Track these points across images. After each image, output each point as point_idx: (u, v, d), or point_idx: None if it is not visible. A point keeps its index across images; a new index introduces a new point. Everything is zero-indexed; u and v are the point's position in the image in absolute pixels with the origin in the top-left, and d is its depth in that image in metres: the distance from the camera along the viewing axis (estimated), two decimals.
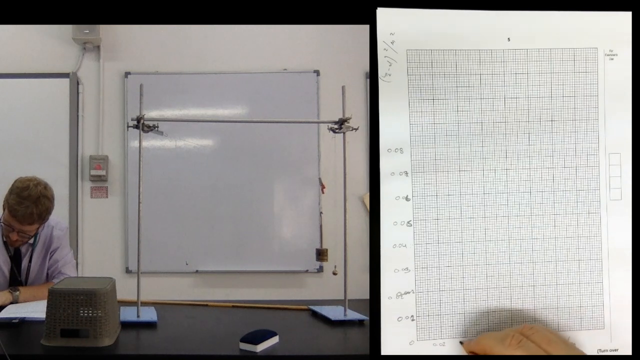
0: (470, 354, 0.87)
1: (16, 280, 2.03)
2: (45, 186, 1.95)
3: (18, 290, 1.89)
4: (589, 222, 0.93)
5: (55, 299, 1.38)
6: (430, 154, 0.90)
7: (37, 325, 1.52)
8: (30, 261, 2.05)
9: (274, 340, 1.43)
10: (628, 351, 0.91)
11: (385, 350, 0.88)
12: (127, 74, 3.47)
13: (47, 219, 1.98)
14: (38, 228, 1.98)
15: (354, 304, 1.78)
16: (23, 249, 2.04)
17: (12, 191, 1.91)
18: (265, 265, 3.42)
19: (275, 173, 3.46)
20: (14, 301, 1.86)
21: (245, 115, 3.48)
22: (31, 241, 2.03)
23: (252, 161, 3.42)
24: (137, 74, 3.46)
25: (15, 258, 2.04)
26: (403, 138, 0.90)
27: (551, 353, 0.76)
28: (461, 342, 0.89)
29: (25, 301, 1.87)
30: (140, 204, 1.70)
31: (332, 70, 3.44)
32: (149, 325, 1.61)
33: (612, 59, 0.93)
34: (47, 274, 2.08)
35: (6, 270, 2.03)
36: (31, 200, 1.87)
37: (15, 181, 1.95)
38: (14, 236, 1.94)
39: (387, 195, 0.89)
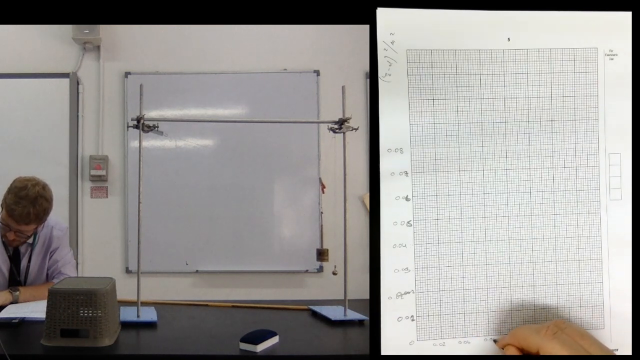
0: (498, 355, 0.88)
1: (15, 280, 2.03)
2: (44, 187, 1.94)
3: (18, 290, 1.89)
4: (589, 222, 0.93)
5: (55, 299, 1.38)
6: (430, 154, 0.90)
7: (37, 325, 1.51)
8: (29, 261, 2.05)
9: (274, 340, 1.43)
10: (628, 351, 0.91)
11: (385, 350, 0.88)
12: (127, 74, 3.47)
13: (45, 219, 1.98)
14: (36, 228, 1.98)
15: (354, 304, 1.78)
16: (22, 248, 2.04)
17: (10, 190, 1.91)
18: (265, 265, 3.42)
19: (275, 173, 3.46)
20: (14, 301, 1.86)
21: (245, 115, 3.48)
22: (30, 241, 2.03)
23: (252, 161, 3.42)
24: (137, 74, 3.45)
25: (15, 258, 2.04)
26: (403, 138, 0.90)
27: (584, 347, 0.77)
28: (495, 340, 0.89)
29: (25, 301, 1.87)
30: (140, 204, 1.70)
31: (332, 70, 3.44)
32: (149, 325, 1.61)
33: (612, 59, 0.93)
34: (47, 274, 2.08)
35: (5, 270, 2.02)
36: (28, 200, 1.87)
37: (14, 181, 1.94)
38: (11, 235, 1.94)
39: (387, 195, 0.89)
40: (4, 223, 1.93)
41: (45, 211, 1.93)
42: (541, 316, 0.91)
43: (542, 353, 0.79)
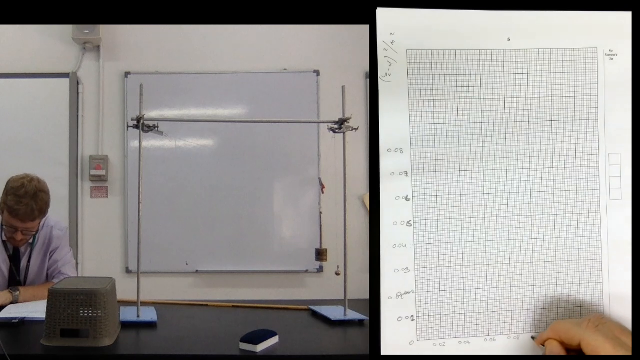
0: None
1: (15, 280, 2.03)
2: (39, 180, 1.95)
3: (18, 290, 1.89)
4: (589, 223, 0.93)
5: (55, 299, 1.38)
6: (430, 154, 0.90)
7: (37, 325, 1.52)
8: (29, 261, 2.05)
9: (274, 340, 1.43)
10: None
11: (385, 350, 0.88)
12: (127, 74, 3.47)
13: (47, 212, 1.98)
14: (40, 223, 1.98)
15: (354, 304, 1.78)
16: (22, 248, 2.04)
17: (7, 192, 1.90)
18: (265, 265, 3.42)
19: (275, 173, 3.46)
20: (14, 301, 1.86)
21: (245, 115, 3.48)
22: (30, 240, 2.03)
23: (252, 161, 3.42)
24: (137, 74, 3.46)
25: (14, 258, 2.04)
26: (403, 138, 0.90)
27: (624, 342, 0.77)
28: (533, 338, 0.89)
29: (25, 301, 1.87)
30: (140, 204, 1.70)
31: (332, 70, 3.44)
32: (149, 325, 1.61)
33: (612, 59, 0.93)
34: (47, 274, 2.08)
35: (5, 269, 2.02)
36: (29, 197, 1.87)
37: (8, 182, 1.94)
38: (18, 236, 1.94)
39: (387, 195, 0.89)
40: (7, 225, 1.93)
41: (47, 204, 1.94)
42: (541, 316, 0.91)
43: (584, 345, 0.79)
